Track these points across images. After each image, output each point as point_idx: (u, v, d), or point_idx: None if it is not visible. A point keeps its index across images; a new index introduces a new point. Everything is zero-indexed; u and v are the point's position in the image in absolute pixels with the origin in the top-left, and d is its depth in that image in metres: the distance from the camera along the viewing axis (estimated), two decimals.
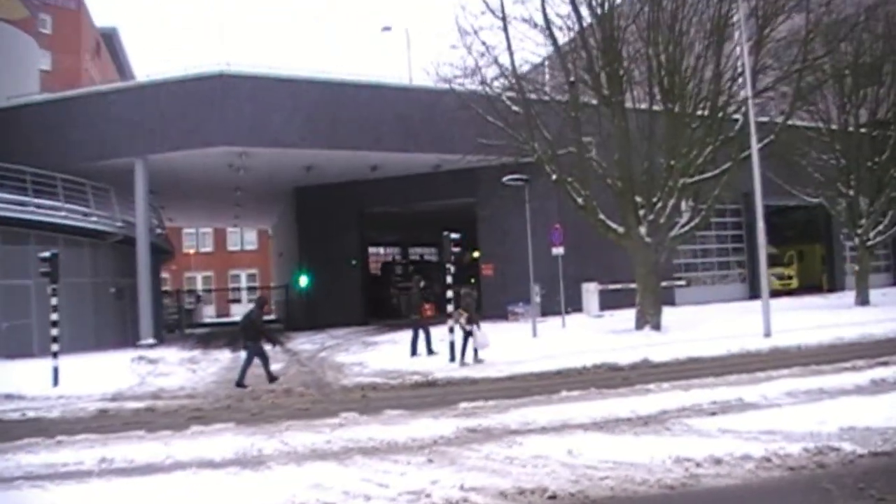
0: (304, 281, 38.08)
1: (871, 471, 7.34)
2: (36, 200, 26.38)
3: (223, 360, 24.12)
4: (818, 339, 19.41)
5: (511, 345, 21.64)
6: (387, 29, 29.08)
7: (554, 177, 23.26)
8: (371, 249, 51.23)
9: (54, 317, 19.19)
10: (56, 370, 18.73)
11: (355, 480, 7.90)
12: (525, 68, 23.88)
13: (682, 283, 34.43)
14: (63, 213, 26.97)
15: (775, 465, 7.64)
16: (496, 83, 24.00)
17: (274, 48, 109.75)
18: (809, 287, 40.24)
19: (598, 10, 22.79)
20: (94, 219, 28.21)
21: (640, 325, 23.29)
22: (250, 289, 65.28)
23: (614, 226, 23.48)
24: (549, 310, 29.64)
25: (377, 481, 7.83)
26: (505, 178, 23.99)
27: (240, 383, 17.24)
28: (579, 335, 23.41)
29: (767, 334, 20.40)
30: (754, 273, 37.85)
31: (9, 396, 17.25)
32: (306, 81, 29.12)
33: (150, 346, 27.42)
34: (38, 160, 27.61)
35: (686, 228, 23.81)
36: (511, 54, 22.95)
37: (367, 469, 8.42)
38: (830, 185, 30.16)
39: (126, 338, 28.75)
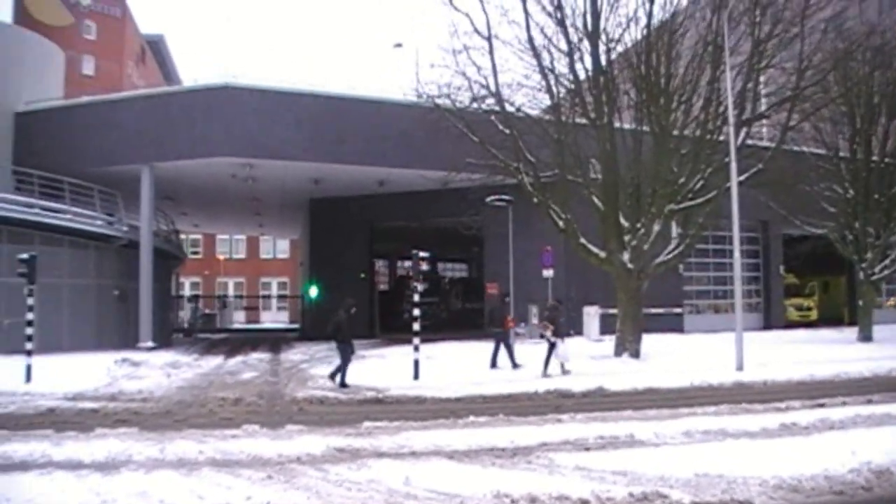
0: (313, 292, 38.42)
1: None
2: (42, 202, 27.16)
3: (205, 367, 24.48)
4: (790, 376, 18.93)
5: (482, 364, 21.77)
6: (398, 46, 29.32)
7: (535, 199, 23.19)
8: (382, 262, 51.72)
9: (30, 316, 19.80)
10: (29, 368, 19.26)
11: (183, 491, 8.06)
12: (513, 89, 23.85)
13: (680, 310, 33.94)
14: (69, 217, 27.71)
15: None
16: (485, 103, 24.00)
17: (295, 57, 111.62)
18: (830, 319, 39.22)
19: (587, 31, 22.67)
20: (100, 223, 28.89)
21: (618, 352, 23.07)
22: (280, 297, 66.00)
23: (595, 250, 23.33)
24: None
25: (201, 493, 7.99)
26: (488, 199, 24.03)
27: (343, 384, 18.45)
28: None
29: (739, 368, 19.99)
30: (769, 302, 37.34)
31: None
32: (310, 95, 29.48)
33: (149, 349, 27.97)
34: (50, 164, 28.72)
35: (671, 256, 23.53)
36: (495, 74, 23.08)
37: (206, 481, 8.57)
38: (837, 215, 29.57)
39: (127, 340, 29.32)
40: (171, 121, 28.75)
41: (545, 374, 19.45)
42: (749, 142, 24.81)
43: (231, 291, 67.73)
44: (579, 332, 30.80)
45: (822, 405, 13.84)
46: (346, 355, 19.01)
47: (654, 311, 30.04)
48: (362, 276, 37.68)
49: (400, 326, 40.45)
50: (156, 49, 65.83)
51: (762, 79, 24.01)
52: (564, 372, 19.64)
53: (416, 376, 19.72)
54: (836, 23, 27.89)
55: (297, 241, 58.78)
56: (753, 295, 37.81)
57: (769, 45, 23.01)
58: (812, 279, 41.40)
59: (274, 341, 37.71)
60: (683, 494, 7.84)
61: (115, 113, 29.79)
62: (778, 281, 37.65)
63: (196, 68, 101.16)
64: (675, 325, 32.82)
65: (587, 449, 10.16)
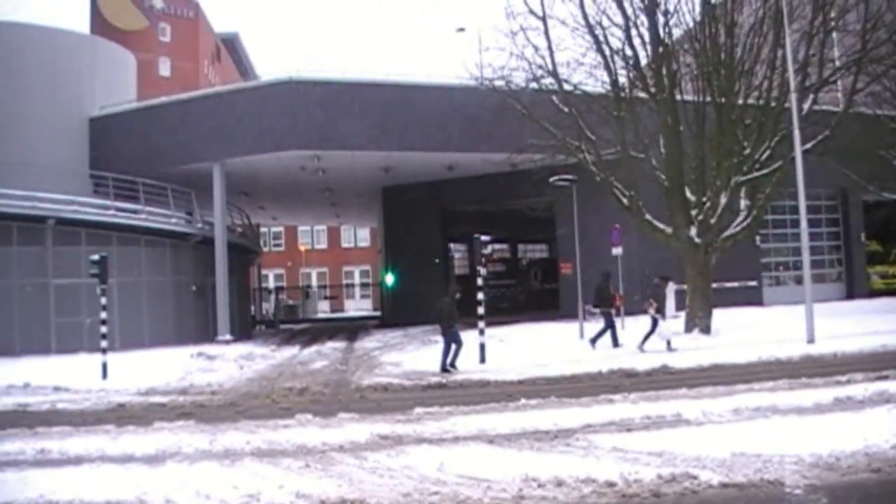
0: (389, 279, 38.76)
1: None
2: (117, 204, 28.07)
3: (279, 358, 25.02)
4: (862, 347, 18.31)
5: (547, 347, 21.75)
6: (461, 30, 29.20)
7: (598, 178, 22.94)
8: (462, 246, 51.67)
9: (103, 315, 20.42)
10: (105, 365, 19.96)
11: (219, 481, 8.26)
12: (570, 68, 23.56)
13: (754, 283, 33.06)
14: (143, 216, 28.58)
15: (612, 491, 7.39)
16: (544, 82, 23.79)
17: (361, 45, 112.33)
18: None
19: (643, 4, 22.25)
20: (174, 221, 29.69)
21: (689, 328, 22.68)
22: (363, 285, 66.77)
23: (661, 226, 22.96)
24: (628, 309, 29.21)
25: (237, 483, 8.17)
26: (551, 179, 23.83)
27: (444, 368, 18.96)
28: (629, 337, 23.05)
29: (811, 340, 19.44)
30: (851, 271, 36.19)
31: (57, 388, 18.65)
32: (373, 84, 29.62)
33: (227, 342, 28.66)
34: (126, 166, 29.70)
35: (739, 228, 22.97)
36: (552, 54, 22.86)
37: (245, 471, 8.76)
38: None
39: (206, 334, 30.11)
40: (238, 117, 29.28)
41: (641, 350, 19.84)
42: (821, 107, 24.03)
43: (314, 281, 68.87)
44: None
45: (885, 377, 13.32)
46: (454, 339, 19.27)
47: (729, 284, 29.43)
48: (436, 261, 37.80)
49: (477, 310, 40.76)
50: (231, 47, 67.13)
51: (829, 42, 23.11)
52: (670, 349, 19.73)
53: (482, 360, 19.87)
54: None
55: (376, 229, 59.47)
56: (836, 264, 36.66)
57: (833, 6, 22.19)
58: None
59: (353, 329, 38.24)
60: (714, 475, 7.67)
61: (184, 113, 30.55)
62: (859, 249, 36.37)
63: (272, 63, 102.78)
64: (753, 298, 32.00)
65: (629, 430, 10.03)
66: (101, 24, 51.56)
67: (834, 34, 22.78)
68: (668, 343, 20.01)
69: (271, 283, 65.15)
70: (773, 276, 34.98)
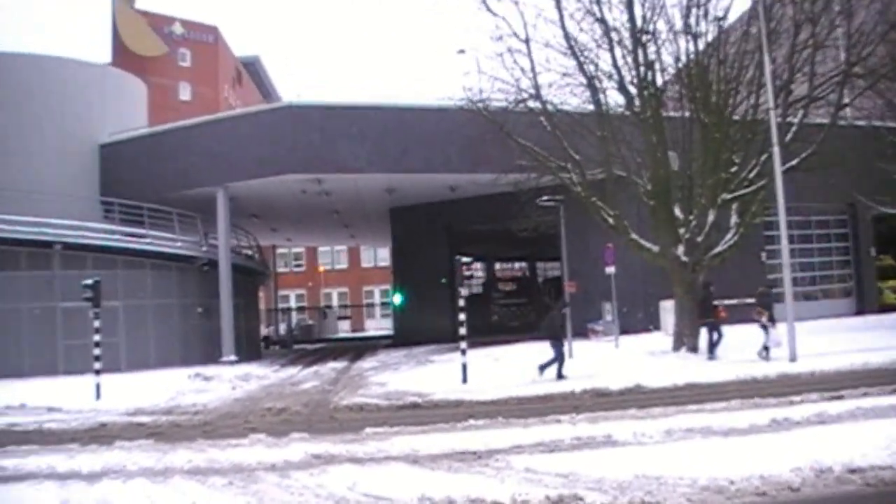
0: (397, 299, 39.20)
1: None
2: (122, 229, 28.83)
3: (273, 379, 25.46)
4: (843, 365, 18.34)
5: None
6: (461, 52, 29.42)
7: (582, 198, 23.22)
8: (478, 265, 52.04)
9: (96, 338, 20.94)
10: (98, 386, 20.48)
11: (140, 497, 8.78)
12: (554, 88, 23.86)
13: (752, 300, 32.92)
14: (148, 241, 29.28)
15: None
16: (530, 104, 24.13)
17: (366, 67, 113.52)
18: None
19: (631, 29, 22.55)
20: (179, 244, 30.39)
21: (676, 347, 22.80)
22: (383, 304, 67.20)
23: (648, 245, 23.14)
24: (631, 327, 29.40)
25: (156, 498, 8.67)
26: (539, 200, 24.14)
27: (560, 376, 19.50)
28: (617, 357, 23.24)
29: (793, 359, 19.55)
30: (861, 286, 35.91)
31: (50, 409, 19.19)
32: (371, 108, 30.11)
33: (231, 363, 29.21)
34: (134, 191, 30.55)
35: (727, 246, 23.08)
36: (534, 75, 23.19)
37: (169, 487, 9.27)
38: None
39: (212, 355, 30.59)
40: (239, 142, 29.94)
41: (765, 358, 20.18)
42: (814, 121, 24.09)
43: (335, 301, 69.50)
44: (657, 327, 30.50)
45: (840, 397, 13.45)
46: (559, 350, 19.83)
47: (727, 302, 29.46)
48: (443, 281, 38.15)
49: (489, 328, 41.22)
50: (252, 70, 68.22)
51: (820, 57, 23.20)
52: (768, 359, 20.08)
53: (464, 380, 20.03)
54: None
55: None
56: (847, 279, 36.40)
57: (818, 23, 22.32)
58: None
59: (362, 349, 38.62)
60: (601, 496, 7.88)
61: (189, 138, 31.31)
62: (870, 263, 36.09)
63: (294, 84, 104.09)
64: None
65: (551, 451, 10.25)
66: (121, 51, 52.81)
67: (818, 50, 22.75)
68: (767, 350, 20.38)
69: (292, 303, 65.93)
70: (780, 292, 34.74)
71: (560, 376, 19.47)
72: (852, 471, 8.35)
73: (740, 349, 21.39)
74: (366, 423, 13.88)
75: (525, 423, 12.85)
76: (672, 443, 10.42)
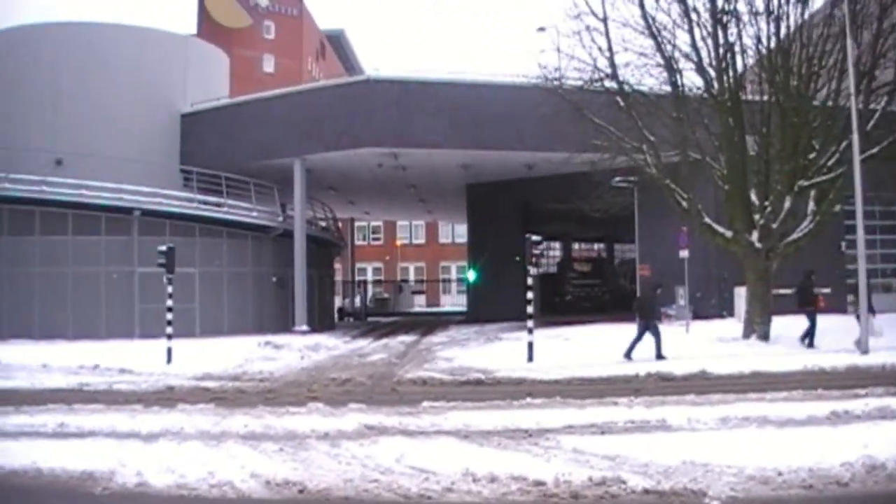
0: (471, 276, 39.25)
1: None
2: (200, 197, 29.48)
3: (342, 350, 25.80)
4: None
5: (606, 348, 21.68)
6: (541, 29, 29.10)
7: (656, 180, 22.83)
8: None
9: (169, 303, 21.53)
10: (169, 350, 21.06)
11: (192, 460, 8.90)
12: (631, 68, 23.41)
13: (827, 290, 31.94)
14: (225, 209, 29.87)
15: (536, 490, 7.63)
16: (604, 83, 23.74)
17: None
18: None
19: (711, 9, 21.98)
20: (255, 214, 30.92)
21: (746, 335, 22.24)
22: (459, 280, 67.36)
23: (721, 230, 22.63)
24: (704, 313, 28.93)
25: (206, 461, 8.82)
26: (613, 181, 23.82)
27: (660, 356, 19.36)
28: (686, 342, 22.76)
29: (865, 351, 18.92)
30: None
31: (122, 370, 19.88)
32: (448, 83, 30.12)
33: (303, 333, 29.66)
34: (214, 161, 31.17)
35: (802, 234, 22.43)
36: (611, 54, 22.78)
37: (221, 451, 9.47)
38: None
39: (286, 324, 31.17)
40: (318, 115, 30.31)
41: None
42: None
43: (412, 276, 69.94)
44: (730, 314, 29.89)
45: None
46: (653, 331, 19.78)
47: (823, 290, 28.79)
48: (517, 259, 37.99)
49: (563, 308, 41.08)
50: (336, 44, 68.74)
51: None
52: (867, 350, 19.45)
53: (530, 358, 19.96)
54: None
55: None
56: None
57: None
58: None
59: (434, 324, 38.78)
60: (645, 481, 7.75)
61: (268, 109, 31.79)
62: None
63: (379, 58, 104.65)
64: (836, 306, 31.02)
65: (603, 433, 10.14)
66: (207, 23, 53.84)
67: None
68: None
69: (369, 276, 66.51)
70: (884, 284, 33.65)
71: (660, 356, 19.31)
72: None
73: (829, 339, 20.86)
74: (425, 397, 13.92)
75: (582, 403, 12.75)
76: (726, 430, 10.21)
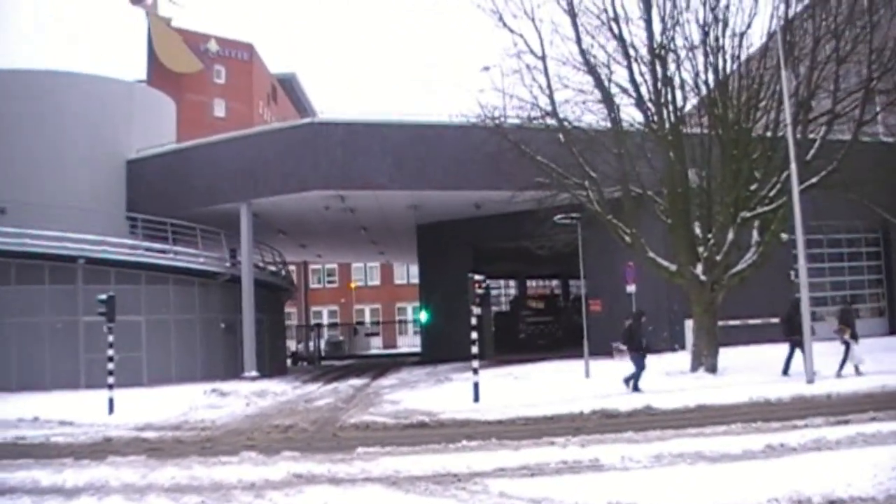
0: (424, 317, 39.11)
1: None
2: (145, 244, 29.17)
3: (290, 395, 25.39)
4: (862, 387, 17.86)
5: (554, 386, 21.62)
6: (486, 69, 29.47)
7: (599, 215, 23.02)
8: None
9: (110, 352, 21.07)
10: (111, 401, 20.62)
11: None
12: (571, 105, 23.73)
13: (775, 320, 32.34)
14: (170, 256, 29.56)
15: None
16: (547, 120, 24.01)
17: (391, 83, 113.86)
18: None
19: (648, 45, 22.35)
20: (202, 260, 30.63)
21: (694, 367, 22.39)
22: (415, 321, 67.19)
23: (665, 263, 22.82)
24: (656, 346, 28.94)
25: None
26: (555, 218, 23.95)
27: (636, 388, 19.60)
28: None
29: (810, 380, 19.10)
30: (893, 306, 35.15)
31: (62, 422, 19.41)
32: (393, 125, 30.18)
33: (252, 379, 29.26)
34: (159, 207, 30.89)
35: (746, 265, 22.66)
36: (551, 91, 23.09)
37: None
38: None
39: (235, 370, 30.79)
40: (264, 159, 30.24)
41: (839, 375, 19.87)
42: (836, 138, 23.65)
43: (368, 318, 69.61)
44: (682, 346, 30.04)
45: (846, 422, 13.06)
46: (639, 362, 19.90)
47: (752, 322, 29.11)
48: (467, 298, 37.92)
49: (517, 346, 41.05)
50: (288, 87, 68.88)
51: (840, 72, 22.77)
52: (858, 373, 19.92)
53: (475, 399, 19.86)
54: None
55: None
56: (880, 298, 35.62)
57: (842, 38, 21.95)
58: None
59: (388, 366, 38.53)
60: None
61: (214, 154, 31.67)
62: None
63: (331, 100, 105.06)
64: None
65: (533, 475, 10.04)
66: (157, 67, 53.69)
67: (841, 66, 22.32)
68: (857, 368, 20.15)
69: (325, 319, 66.07)
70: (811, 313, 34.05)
71: (636, 389, 19.49)
72: (832, 502, 8.07)
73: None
74: (363, 443, 13.75)
75: (517, 445, 12.60)
76: (658, 468, 10.18)
